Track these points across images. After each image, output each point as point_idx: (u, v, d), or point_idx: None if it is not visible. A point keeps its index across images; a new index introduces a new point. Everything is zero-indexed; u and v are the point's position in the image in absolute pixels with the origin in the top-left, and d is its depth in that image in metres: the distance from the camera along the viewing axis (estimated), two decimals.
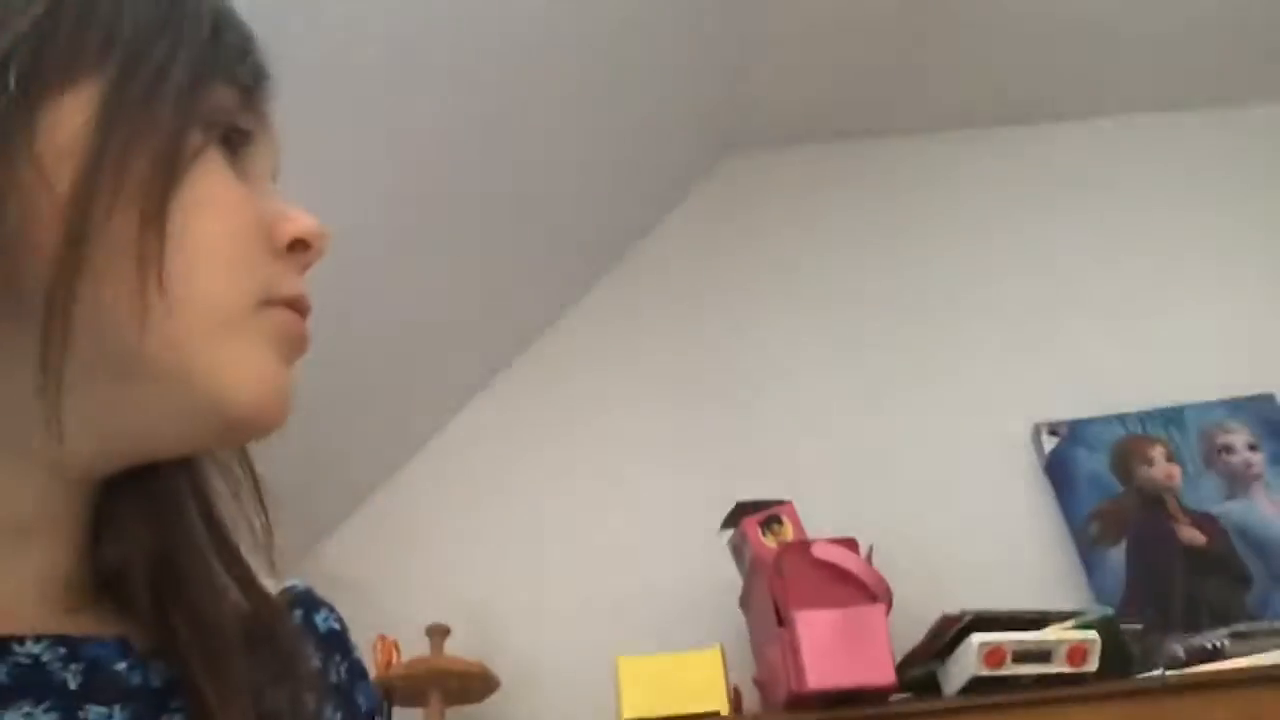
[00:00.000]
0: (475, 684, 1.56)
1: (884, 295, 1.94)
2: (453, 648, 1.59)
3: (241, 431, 0.45)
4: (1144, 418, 1.77)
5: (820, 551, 1.45)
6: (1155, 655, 1.53)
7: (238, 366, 0.43)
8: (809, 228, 2.01)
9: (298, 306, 0.46)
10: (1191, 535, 1.67)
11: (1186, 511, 1.69)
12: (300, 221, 0.46)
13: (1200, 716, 1.34)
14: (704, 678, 1.48)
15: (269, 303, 0.45)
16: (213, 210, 0.43)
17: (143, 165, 0.40)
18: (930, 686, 1.45)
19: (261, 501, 0.50)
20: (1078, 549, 1.70)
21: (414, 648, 1.57)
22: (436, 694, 1.52)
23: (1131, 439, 1.76)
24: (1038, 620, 1.43)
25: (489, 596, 1.72)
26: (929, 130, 2.06)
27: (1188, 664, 1.48)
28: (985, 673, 1.35)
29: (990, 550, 1.71)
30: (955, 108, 2.03)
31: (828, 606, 1.41)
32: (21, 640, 0.41)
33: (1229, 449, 1.73)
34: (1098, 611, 1.45)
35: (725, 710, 1.46)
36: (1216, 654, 1.50)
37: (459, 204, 1.63)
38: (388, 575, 1.70)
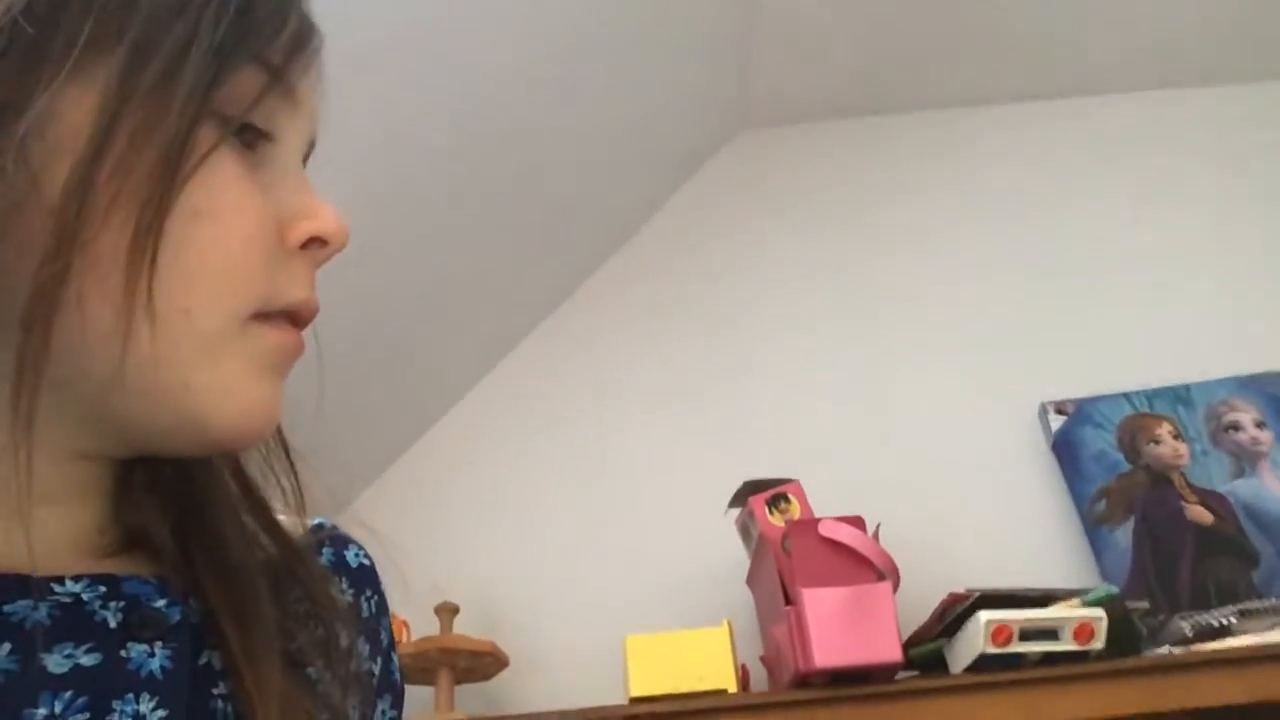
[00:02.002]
0: (484, 662, 1.57)
1: (893, 272, 1.94)
2: (461, 626, 1.60)
3: (222, 447, 0.44)
4: (1151, 395, 1.76)
5: (827, 530, 1.45)
6: (1163, 633, 1.53)
7: (217, 391, 0.41)
8: (820, 204, 2.00)
9: (299, 315, 0.44)
10: (1199, 513, 1.67)
11: (1194, 489, 1.69)
12: (319, 220, 0.44)
13: (1208, 694, 1.34)
14: (712, 656, 1.48)
15: (263, 316, 0.43)
16: (214, 221, 0.40)
17: (143, 169, 0.38)
18: (937, 664, 1.45)
19: (291, 465, 0.50)
20: (1085, 527, 1.70)
21: (422, 627, 1.58)
22: (445, 672, 1.53)
23: (1139, 416, 1.75)
24: (1044, 598, 1.43)
25: (497, 575, 1.72)
26: (940, 106, 2.05)
27: (1195, 642, 1.49)
28: (992, 650, 1.35)
29: (997, 528, 1.71)
30: (968, 84, 2.01)
31: (835, 584, 1.41)
32: (61, 580, 0.40)
33: (1237, 427, 1.72)
34: (1105, 589, 1.45)
35: (733, 688, 1.47)
36: (1224, 632, 1.51)
37: (477, 181, 1.62)
38: (394, 554, 1.70)
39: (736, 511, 1.61)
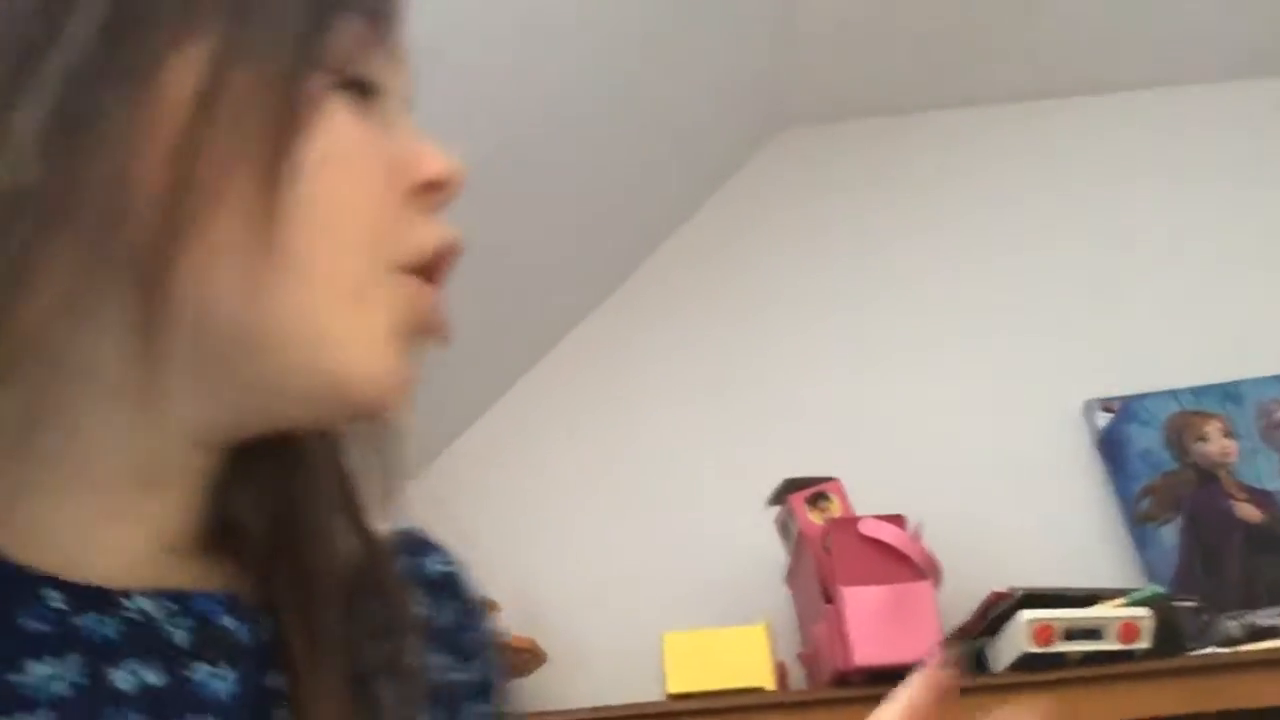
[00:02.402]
0: (523, 659, 1.58)
1: (937, 268, 1.92)
2: (501, 622, 1.61)
3: (358, 413, 0.42)
4: (1199, 392, 1.73)
5: (868, 528, 1.45)
6: (1210, 633, 1.51)
7: (359, 344, 0.39)
8: (864, 201, 1.99)
9: (435, 269, 0.42)
10: (1248, 511, 1.64)
11: (1243, 488, 1.66)
12: (436, 162, 0.42)
13: (1255, 694, 1.32)
14: (749, 653, 1.48)
15: (401, 269, 0.41)
16: (337, 167, 0.39)
17: (259, 122, 0.37)
18: (979, 663, 1.44)
19: (394, 462, 0.47)
20: (1130, 526, 1.68)
21: None
22: None
23: (1186, 414, 1.72)
24: (1089, 598, 1.42)
25: (536, 572, 1.73)
26: (988, 102, 2.02)
27: (1243, 642, 1.46)
28: (1034, 650, 1.34)
29: (1041, 527, 1.69)
30: (1015, 79, 1.99)
31: (875, 583, 1.41)
32: (130, 594, 0.39)
33: None
34: (1151, 589, 1.43)
35: (771, 686, 1.46)
36: (1273, 632, 1.48)
37: (516, 184, 1.63)
38: None
39: (776, 509, 1.61)
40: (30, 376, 0.38)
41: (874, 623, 1.38)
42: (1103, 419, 1.74)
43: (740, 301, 1.94)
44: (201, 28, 0.37)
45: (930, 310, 1.89)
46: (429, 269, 0.42)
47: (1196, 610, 1.54)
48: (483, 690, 0.53)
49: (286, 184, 0.37)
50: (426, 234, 0.42)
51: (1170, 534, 1.65)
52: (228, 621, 0.41)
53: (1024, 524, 1.69)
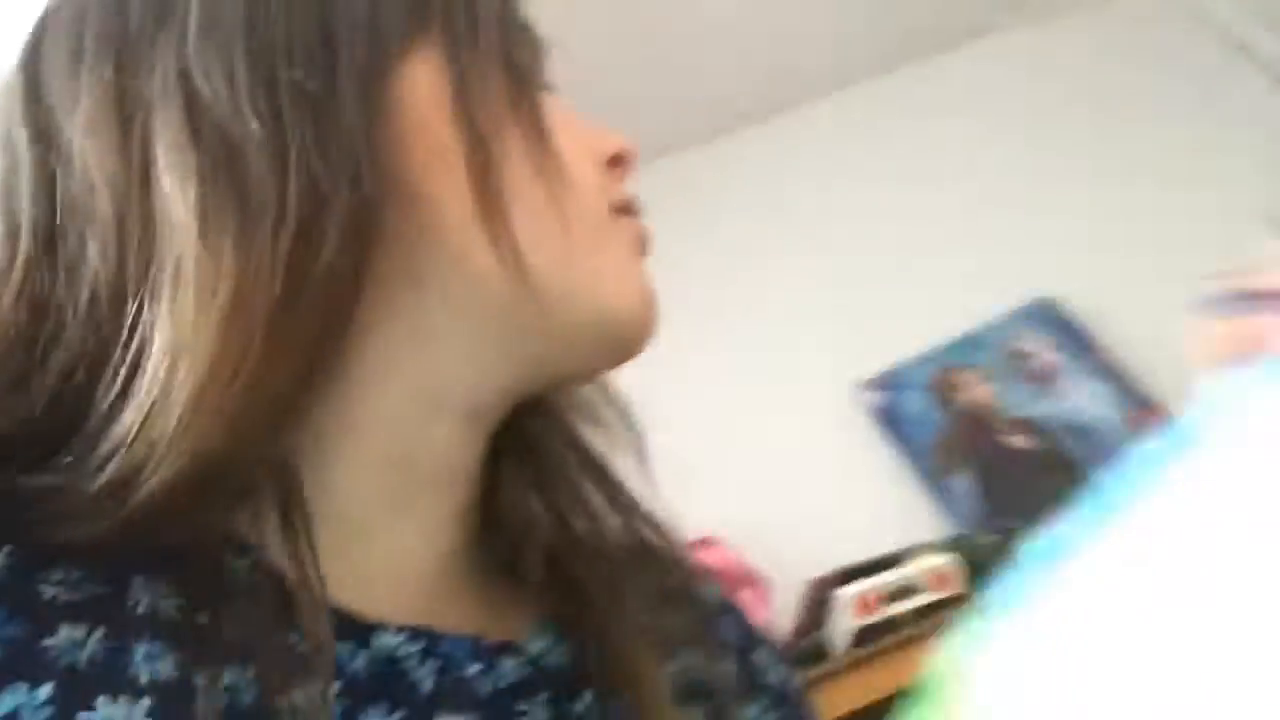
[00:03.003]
0: None
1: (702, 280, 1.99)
2: None
3: (626, 345, 0.45)
4: (948, 350, 1.88)
5: None
6: None
7: (619, 275, 0.44)
8: None
9: (634, 208, 0.47)
10: (1020, 442, 1.78)
11: (1010, 421, 1.80)
12: (617, 137, 0.47)
13: None
14: None
15: (614, 212, 0.45)
16: (564, 134, 0.43)
17: (501, 100, 0.41)
18: (822, 655, 1.49)
19: (640, 450, 0.50)
20: (927, 485, 1.79)
21: None
22: None
23: (943, 371, 1.86)
24: (898, 558, 1.50)
25: None
26: None
27: None
28: (864, 621, 1.41)
29: (847, 511, 1.77)
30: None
31: None
32: (383, 628, 0.39)
33: (1029, 355, 1.85)
34: (949, 535, 1.53)
35: None
36: None
37: None
38: None
39: None
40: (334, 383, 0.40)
41: None
42: (874, 397, 1.86)
43: None
44: (424, 41, 0.41)
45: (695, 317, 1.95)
46: (630, 208, 0.47)
47: (1004, 541, 1.65)
48: (764, 691, 0.52)
49: (550, 146, 0.42)
50: (623, 190, 0.47)
51: (962, 483, 1.77)
52: (472, 669, 0.40)
53: (831, 513, 1.77)
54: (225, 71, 0.38)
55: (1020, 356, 1.85)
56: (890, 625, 1.43)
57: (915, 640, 1.42)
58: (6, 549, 0.34)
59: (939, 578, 1.44)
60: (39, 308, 0.37)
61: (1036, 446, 1.77)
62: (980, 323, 1.88)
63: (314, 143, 0.37)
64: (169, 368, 0.35)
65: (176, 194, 0.36)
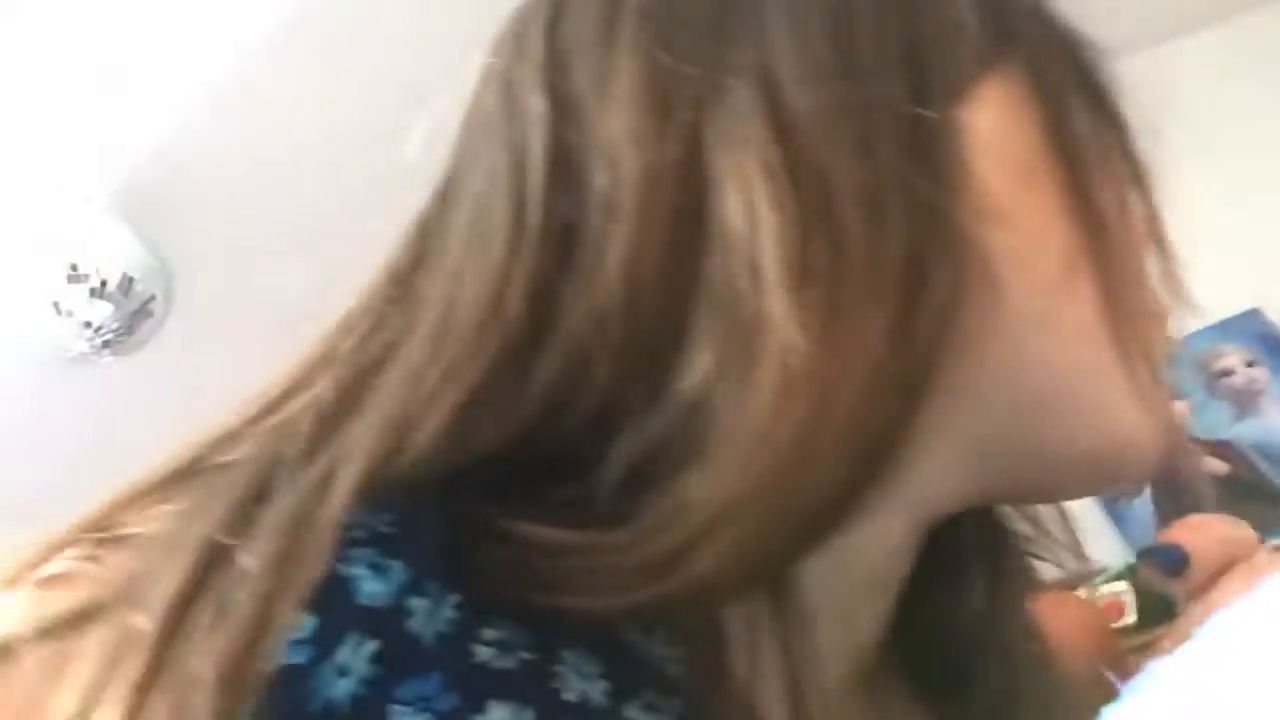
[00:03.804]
0: None
1: None
2: None
3: (1119, 478, 0.36)
4: None
5: None
6: None
7: (1136, 401, 0.33)
8: None
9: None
10: (1212, 465, 1.63)
11: (1201, 443, 1.66)
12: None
13: None
14: None
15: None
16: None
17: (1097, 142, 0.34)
18: None
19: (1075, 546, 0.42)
20: (1103, 508, 1.67)
21: None
22: None
23: None
24: (1070, 585, 1.40)
25: None
26: None
27: None
28: None
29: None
30: None
31: None
32: None
33: (1228, 371, 1.70)
34: (1125, 563, 1.42)
35: None
36: None
37: None
38: None
39: None
40: None
41: None
42: None
43: None
44: (996, 68, 0.33)
45: None
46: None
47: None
48: None
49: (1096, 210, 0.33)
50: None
51: (1144, 507, 1.64)
52: None
53: None
54: (810, 73, 0.30)
55: (1220, 373, 1.70)
56: None
57: None
58: (456, 599, 0.28)
59: (1113, 608, 1.34)
60: (544, 309, 0.31)
61: (1230, 472, 1.62)
62: (1186, 330, 1.74)
63: (910, 186, 0.29)
64: (749, 454, 0.28)
65: (743, 214, 0.29)
